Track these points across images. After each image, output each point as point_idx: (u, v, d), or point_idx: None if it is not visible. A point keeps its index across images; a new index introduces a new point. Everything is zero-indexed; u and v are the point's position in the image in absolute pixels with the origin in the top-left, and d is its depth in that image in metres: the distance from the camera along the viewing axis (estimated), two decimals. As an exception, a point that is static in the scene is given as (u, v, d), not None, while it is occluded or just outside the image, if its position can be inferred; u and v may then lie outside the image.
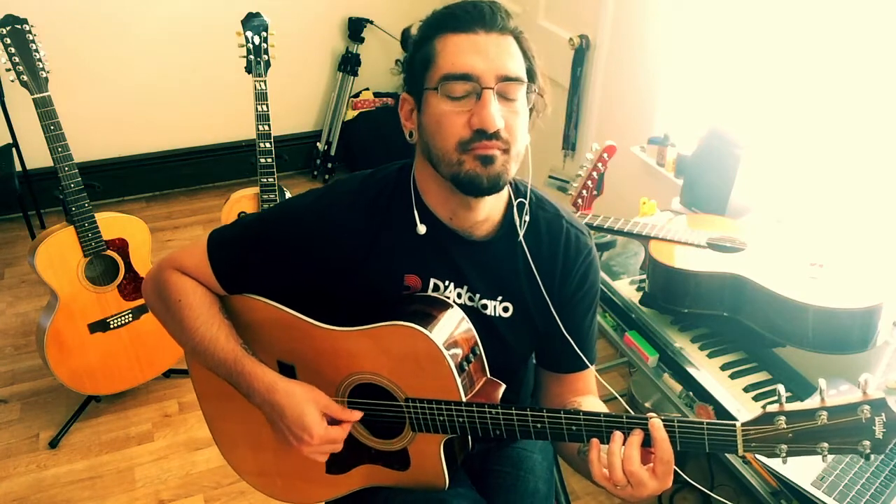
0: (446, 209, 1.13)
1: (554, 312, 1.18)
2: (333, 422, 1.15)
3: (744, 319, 1.61)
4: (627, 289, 1.91)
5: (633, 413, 1.04)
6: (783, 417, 0.93)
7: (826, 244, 1.69)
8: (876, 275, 1.57)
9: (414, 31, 1.11)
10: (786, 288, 1.52)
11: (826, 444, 0.92)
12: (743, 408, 1.56)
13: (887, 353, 1.60)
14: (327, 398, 1.15)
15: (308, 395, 1.13)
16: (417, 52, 1.06)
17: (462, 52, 1.01)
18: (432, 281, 1.17)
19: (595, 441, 1.03)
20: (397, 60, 1.12)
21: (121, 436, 2.35)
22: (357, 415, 1.17)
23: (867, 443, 0.91)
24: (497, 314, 1.19)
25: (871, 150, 1.82)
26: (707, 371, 1.66)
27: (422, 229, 1.14)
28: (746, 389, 1.61)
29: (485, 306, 1.18)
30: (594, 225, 1.82)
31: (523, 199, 1.17)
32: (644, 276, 1.86)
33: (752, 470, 1.55)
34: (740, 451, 0.97)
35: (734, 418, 1.51)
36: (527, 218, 1.17)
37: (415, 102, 1.09)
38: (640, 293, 1.86)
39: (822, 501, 1.35)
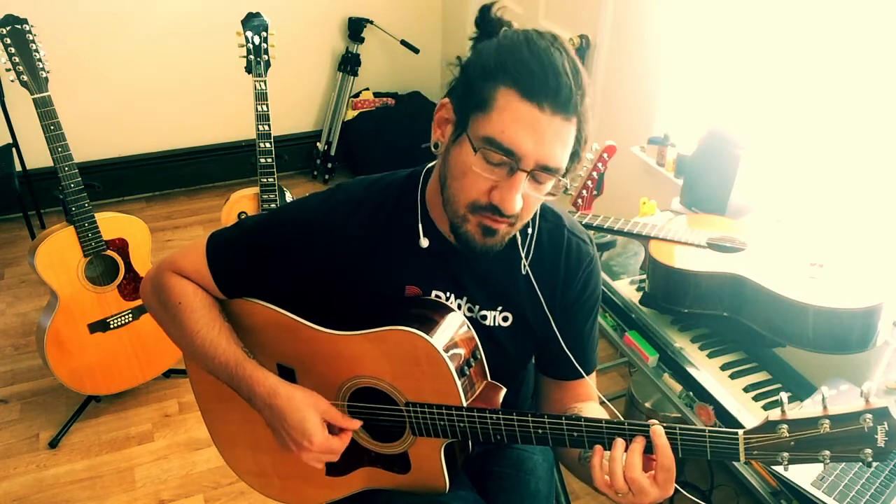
0: (448, 225, 1.12)
1: (554, 326, 1.17)
2: (333, 430, 1.14)
3: (744, 319, 1.60)
4: (627, 289, 1.91)
5: (624, 419, 1.03)
6: (785, 426, 0.93)
7: (826, 244, 1.69)
8: (876, 275, 1.57)
9: (497, 12, 1.03)
10: (786, 288, 1.52)
11: (828, 452, 0.92)
12: (743, 408, 1.55)
13: (887, 353, 1.60)
14: (328, 404, 1.15)
15: (309, 401, 1.13)
16: (478, 81, 0.97)
17: (518, 125, 0.94)
18: (434, 293, 1.17)
19: (598, 447, 1.02)
20: (458, 58, 1.04)
21: (121, 436, 2.35)
22: (356, 423, 1.16)
23: (869, 451, 0.91)
24: (496, 324, 1.19)
25: (871, 150, 1.82)
26: (707, 371, 1.66)
27: (424, 243, 1.13)
28: (746, 389, 1.61)
29: (484, 317, 1.18)
30: (594, 225, 1.82)
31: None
32: (644, 276, 1.86)
33: (752, 470, 1.55)
34: (742, 459, 0.96)
35: (734, 418, 1.53)
36: (530, 231, 1.16)
37: (454, 122, 1.02)
38: (640, 293, 1.86)
39: (822, 501, 1.35)
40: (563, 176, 1.00)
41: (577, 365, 1.19)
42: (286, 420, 1.11)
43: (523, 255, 1.15)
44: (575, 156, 1.01)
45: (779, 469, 0.95)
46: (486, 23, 1.04)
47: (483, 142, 0.97)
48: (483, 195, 1.00)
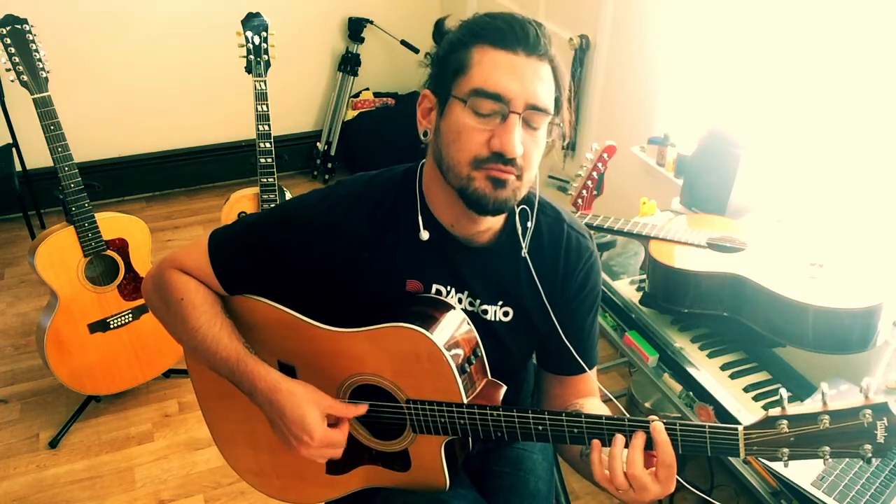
0: (449, 215, 1.13)
1: (554, 319, 1.17)
2: (333, 425, 1.14)
3: (744, 319, 1.60)
4: (627, 289, 1.91)
5: (628, 415, 1.03)
6: (785, 421, 0.93)
7: (826, 244, 1.69)
8: (876, 275, 1.57)
9: (449, 24, 1.09)
10: (786, 288, 1.52)
11: (828, 448, 0.92)
12: (743, 408, 1.55)
13: (887, 353, 1.60)
14: (330, 399, 1.15)
15: (310, 396, 1.13)
16: (451, 53, 1.03)
17: (499, 70, 0.99)
18: (434, 286, 1.17)
19: (596, 442, 1.02)
20: (427, 54, 1.10)
21: (121, 436, 2.35)
22: (362, 408, 1.16)
23: (869, 447, 0.91)
24: (497, 319, 1.19)
25: (871, 150, 1.82)
26: (707, 371, 1.66)
27: (425, 235, 1.14)
28: (746, 389, 1.61)
29: (485, 311, 1.18)
30: (594, 225, 1.82)
31: (527, 207, 1.16)
32: (644, 276, 1.86)
33: (752, 470, 1.55)
34: (742, 455, 0.97)
35: (734, 418, 1.53)
36: (530, 224, 1.16)
37: (437, 103, 1.07)
38: (640, 293, 1.86)
39: (822, 501, 1.35)
40: (552, 122, 1.04)
41: (578, 359, 1.19)
42: (286, 415, 1.11)
43: (523, 243, 1.15)
44: (558, 102, 1.04)
45: (779, 465, 0.95)
46: (442, 35, 1.09)
47: (470, 94, 1.00)
48: (482, 147, 1.02)
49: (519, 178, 1.04)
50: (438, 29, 1.10)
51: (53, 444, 2.30)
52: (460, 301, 1.18)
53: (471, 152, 1.02)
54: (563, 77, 1.05)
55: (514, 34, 1.00)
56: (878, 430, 0.90)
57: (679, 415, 1.71)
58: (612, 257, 2.06)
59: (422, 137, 1.11)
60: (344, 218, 1.14)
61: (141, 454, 2.28)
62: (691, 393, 1.67)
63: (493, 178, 1.02)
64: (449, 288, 1.17)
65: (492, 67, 0.99)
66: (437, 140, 1.07)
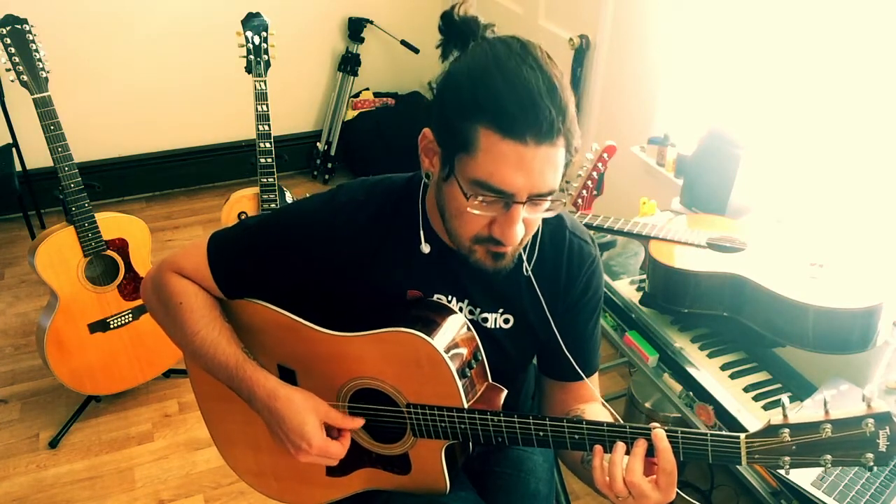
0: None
1: (555, 329, 1.17)
2: (332, 434, 1.14)
3: (744, 319, 1.60)
4: (627, 289, 1.91)
5: (623, 418, 1.03)
6: (787, 430, 0.93)
7: (826, 244, 1.69)
8: (876, 275, 1.57)
9: (459, 11, 1.00)
10: (786, 288, 1.52)
11: (829, 457, 0.92)
12: (743, 408, 1.55)
13: (887, 353, 1.60)
14: (328, 406, 1.15)
15: (309, 404, 1.13)
16: (457, 119, 0.95)
17: (506, 165, 0.93)
18: (436, 296, 1.17)
19: (598, 448, 1.02)
20: (429, 83, 1.07)
21: (121, 436, 2.35)
22: (359, 421, 1.16)
23: (870, 455, 0.90)
24: (497, 326, 1.19)
25: (871, 150, 1.82)
26: (707, 371, 1.66)
27: (426, 249, 1.13)
28: (746, 389, 1.61)
29: (485, 319, 1.18)
30: (594, 225, 1.82)
31: None
32: (644, 276, 1.86)
33: (752, 470, 1.55)
34: (744, 463, 0.96)
35: (734, 418, 1.52)
36: (535, 243, 1.16)
37: (440, 154, 1.01)
38: (640, 293, 1.86)
39: (822, 501, 1.35)
40: (560, 189, 1.01)
41: (577, 367, 1.19)
42: (285, 422, 1.11)
43: (525, 258, 1.15)
44: (567, 165, 1.00)
45: (780, 473, 0.95)
46: (451, 27, 1.02)
47: (473, 186, 0.96)
48: (484, 229, 1.01)
49: (520, 243, 1.04)
50: (447, 21, 1.02)
51: (53, 444, 2.30)
52: (461, 310, 1.17)
53: (472, 232, 1.02)
54: (575, 139, 0.97)
55: (525, 121, 0.91)
56: (879, 440, 0.90)
57: (679, 416, 1.71)
58: (612, 257, 2.06)
59: (424, 178, 1.11)
60: (346, 224, 1.13)
61: (141, 454, 2.28)
62: (691, 393, 1.67)
63: (493, 252, 1.04)
64: (450, 297, 1.17)
65: (498, 161, 0.93)
66: (439, 193, 1.05)
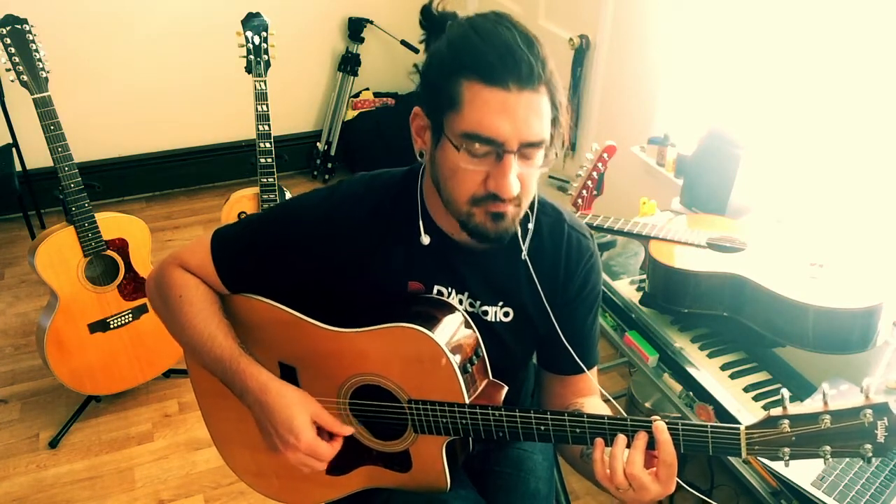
0: (449, 225, 1.13)
1: (554, 321, 1.17)
2: (324, 437, 1.13)
3: (744, 319, 1.60)
4: (627, 289, 1.91)
5: (627, 415, 1.03)
6: (787, 421, 0.94)
7: (826, 244, 1.69)
8: (876, 275, 1.57)
9: (437, 6, 1.06)
10: (786, 288, 1.52)
11: (829, 448, 0.93)
12: (743, 408, 1.55)
13: (887, 353, 1.60)
14: (320, 406, 1.14)
15: (300, 400, 1.12)
16: (441, 82, 0.98)
17: (491, 112, 0.95)
18: (436, 288, 1.17)
19: (599, 441, 1.02)
20: (415, 65, 1.09)
21: (121, 436, 2.35)
22: (348, 429, 1.15)
23: (869, 446, 0.91)
24: (497, 319, 1.19)
25: (871, 150, 1.82)
26: (707, 371, 1.66)
27: (426, 240, 1.14)
28: (746, 389, 1.61)
29: (485, 312, 1.19)
30: (594, 225, 1.82)
31: (528, 210, 1.16)
32: (644, 276, 1.86)
33: (752, 470, 1.55)
34: (744, 455, 0.97)
35: (734, 418, 1.53)
36: (530, 226, 1.16)
37: (430, 126, 1.04)
38: (640, 293, 1.86)
39: (822, 501, 1.35)
40: (550, 144, 1.02)
41: (577, 359, 1.19)
42: (275, 416, 1.10)
43: (523, 246, 1.15)
44: (556, 121, 1.02)
45: (779, 465, 0.95)
46: (431, 21, 1.06)
47: (463, 138, 0.98)
48: (479, 187, 1.01)
49: (518, 205, 1.04)
50: (426, 15, 1.07)
51: (53, 444, 2.30)
52: (461, 302, 1.18)
53: (468, 192, 1.02)
54: (558, 94, 1.01)
55: (504, 67, 0.94)
56: (878, 430, 0.90)
57: (679, 415, 1.71)
58: (612, 257, 2.06)
59: (418, 157, 1.11)
60: (346, 217, 1.14)
61: (141, 454, 2.28)
62: (691, 393, 1.67)
63: (492, 213, 1.03)
64: (450, 290, 1.17)
65: (484, 109, 0.96)
66: (433, 166, 1.06)
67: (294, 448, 1.10)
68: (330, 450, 1.12)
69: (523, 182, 1.01)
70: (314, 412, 1.13)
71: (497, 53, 0.95)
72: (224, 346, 1.15)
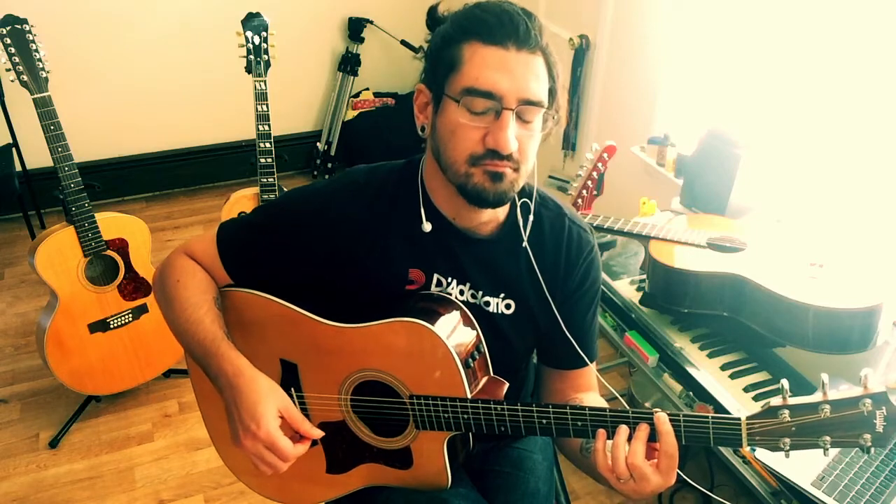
0: (451, 208, 1.14)
1: (556, 311, 1.18)
2: (294, 439, 1.09)
3: (744, 319, 1.61)
4: (627, 289, 1.91)
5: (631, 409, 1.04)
6: (787, 411, 0.94)
7: (826, 244, 1.69)
8: (876, 275, 1.57)
9: (442, 10, 1.10)
10: (786, 288, 1.52)
11: (828, 438, 0.93)
12: (743, 408, 1.56)
13: (887, 353, 1.60)
14: (291, 404, 1.10)
15: (271, 389, 1.09)
16: (443, 49, 1.04)
17: (489, 67, 1.00)
18: (435, 277, 1.17)
19: (602, 432, 1.03)
20: (420, 47, 1.11)
21: (121, 436, 2.35)
22: (317, 433, 1.12)
23: (868, 436, 0.91)
24: (499, 311, 1.19)
25: (871, 150, 1.82)
26: (707, 371, 1.66)
27: (427, 227, 1.14)
28: (746, 389, 1.61)
29: (487, 303, 1.19)
30: (594, 225, 1.83)
31: (527, 200, 1.17)
32: (644, 276, 1.86)
33: (752, 470, 1.55)
34: (745, 445, 0.97)
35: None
36: (531, 217, 1.17)
37: (431, 98, 1.07)
38: (640, 293, 1.86)
39: (822, 501, 1.35)
40: (547, 113, 1.04)
41: (580, 351, 1.20)
42: (241, 399, 1.06)
43: (524, 234, 1.16)
44: (553, 91, 1.05)
45: (780, 457, 0.96)
46: (437, 22, 1.10)
47: (463, 93, 1.01)
48: (478, 144, 1.03)
49: (516, 170, 1.05)
50: (431, 16, 1.11)
51: (53, 444, 2.30)
52: (462, 293, 1.18)
53: (467, 150, 1.03)
54: (556, 66, 1.05)
55: (503, 28, 0.99)
56: (877, 420, 0.90)
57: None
58: (612, 257, 2.06)
59: (420, 133, 1.12)
60: (348, 205, 1.15)
61: (141, 454, 2.28)
62: (691, 393, 1.67)
63: (491, 172, 1.04)
64: (450, 279, 1.17)
65: (482, 65, 1.00)
66: (434, 136, 1.08)
67: (253, 436, 1.04)
68: (291, 448, 1.06)
69: (522, 145, 1.03)
70: (283, 405, 1.08)
71: (497, 17, 1.00)
72: (209, 331, 1.14)
